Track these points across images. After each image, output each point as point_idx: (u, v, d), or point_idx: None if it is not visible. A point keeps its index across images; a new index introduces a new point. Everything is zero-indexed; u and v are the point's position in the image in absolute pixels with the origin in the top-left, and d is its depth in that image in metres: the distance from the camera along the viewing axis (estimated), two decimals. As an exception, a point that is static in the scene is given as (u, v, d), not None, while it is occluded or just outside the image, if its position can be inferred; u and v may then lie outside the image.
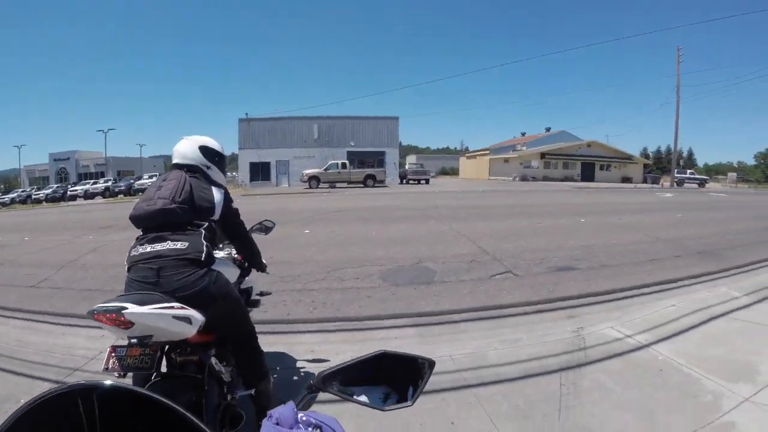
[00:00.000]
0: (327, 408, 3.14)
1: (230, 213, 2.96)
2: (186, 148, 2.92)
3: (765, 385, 3.88)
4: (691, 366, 4.24)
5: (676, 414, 3.43)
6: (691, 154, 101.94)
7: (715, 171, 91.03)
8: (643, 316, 5.61)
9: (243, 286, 3.49)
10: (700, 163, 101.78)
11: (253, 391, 2.84)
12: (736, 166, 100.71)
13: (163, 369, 2.49)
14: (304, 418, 0.94)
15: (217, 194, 2.83)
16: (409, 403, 1.28)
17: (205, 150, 2.96)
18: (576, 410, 3.46)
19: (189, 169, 2.85)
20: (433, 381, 3.74)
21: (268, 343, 4.19)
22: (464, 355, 4.42)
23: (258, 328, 3.05)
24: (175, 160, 2.92)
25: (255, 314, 3.80)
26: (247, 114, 46.59)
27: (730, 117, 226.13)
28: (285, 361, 4.30)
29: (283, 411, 0.95)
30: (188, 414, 0.78)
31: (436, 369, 3.96)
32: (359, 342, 4.86)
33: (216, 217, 2.81)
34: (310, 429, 0.92)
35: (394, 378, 1.31)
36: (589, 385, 3.87)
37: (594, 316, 5.64)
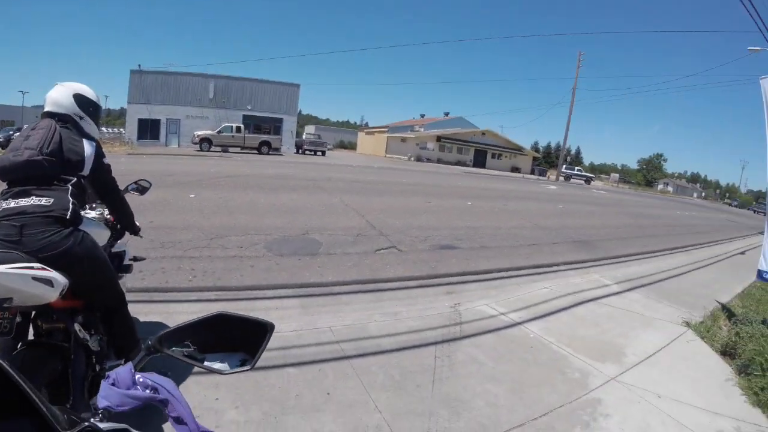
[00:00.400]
0: (205, 378, 3.08)
1: (101, 168, 2.75)
2: (59, 95, 2.67)
3: (631, 366, 4.26)
4: (561, 345, 4.56)
5: (545, 388, 3.68)
6: (579, 152, 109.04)
7: (600, 170, 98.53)
8: (517, 296, 5.95)
9: (114, 250, 3.30)
10: (587, 161, 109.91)
11: (123, 362, 2.71)
12: (619, 168, 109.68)
13: (32, 337, 2.34)
14: (141, 380, 0.92)
15: (87, 147, 2.62)
16: (247, 367, 1.27)
17: (79, 98, 2.73)
18: (449, 382, 3.61)
19: (60, 118, 2.62)
20: (313, 352, 3.82)
21: (143, 312, 4.03)
22: (344, 327, 4.46)
23: (134, 296, 2.91)
24: (46, 108, 2.66)
25: (131, 281, 3.62)
26: (140, 66, 43.41)
27: (618, 123, 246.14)
28: (160, 330, 4.12)
29: (120, 372, 0.92)
30: (14, 373, 0.72)
31: (317, 340, 4.02)
32: (241, 312, 4.74)
33: (85, 172, 2.61)
34: (147, 390, 0.90)
35: (248, 343, 1.29)
36: (463, 359, 4.05)
37: (472, 294, 5.91)
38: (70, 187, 2.45)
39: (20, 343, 2.19)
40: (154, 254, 5.93)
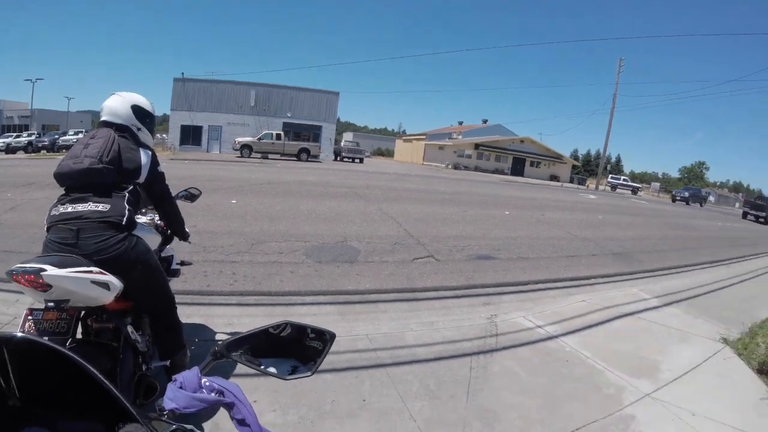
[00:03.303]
0: (242, 381, 3.16)
1: (156, 177, 2.87)
2: (117, 106, 2.80)
3: (666, 383, 4.19)
4: (596, 359, 4.51)
5: (579, 403, 3.66)
6: (619, 160, 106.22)
7: (641, 179, 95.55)
8: (554, 308, 5.90)
9: (163, 255, 3.44)
10: (627, 169, 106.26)
11: (168, 363, 2.82)
12: (660, 176, 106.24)
13: (79, 335, 2.43)
14: (207, 383, 0.96)
15: (144, 156, 2.75)
16: (308, 373, 1.32)
17: (137, 110, 2.85)
18: (483, 393, 3.62)
19: (118, 128, 2.74)
20: (349, 359, 3.87)
21: (185, 315, 4.13)
22: (381, 335, 4.52)
23: (177, 298, 3.01)
24: (103, 117, 2.78)
25: (174, 284, 3.74)
26: (183, 73, 44.52)
27: (660, 130, 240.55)
28: (202, 333, 4.24)
29: (187, 375, 0.97)
30: (100, 376, 0.78)
31: (353, 347, 4.07)
32: (279, 316, 4.80)
33: (141, 180, 2.74)
34: (212, 394, 0.95)
35: (301, 350, 1.35)
36: (498, 370, 4.06)
37: (508, 305, 5.90)
38: (127, 194, 2.57)
39: (69, 341, 2.28)
40: (197, 258, 6.09)
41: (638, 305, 6.45)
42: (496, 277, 7.20)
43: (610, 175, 58.67)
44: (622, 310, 6.10)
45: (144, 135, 2.91)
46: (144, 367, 2.68)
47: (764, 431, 3.57)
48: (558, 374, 4.15)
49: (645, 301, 6.70)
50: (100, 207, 2.41)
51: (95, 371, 0.79)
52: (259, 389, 3.23)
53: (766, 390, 4.30)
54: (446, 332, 4.77)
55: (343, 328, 4.59)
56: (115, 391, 0.78)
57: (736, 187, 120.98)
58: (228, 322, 4.56)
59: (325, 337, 1.37)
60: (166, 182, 3.04)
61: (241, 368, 3.31)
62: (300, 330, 1.36)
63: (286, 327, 1.33)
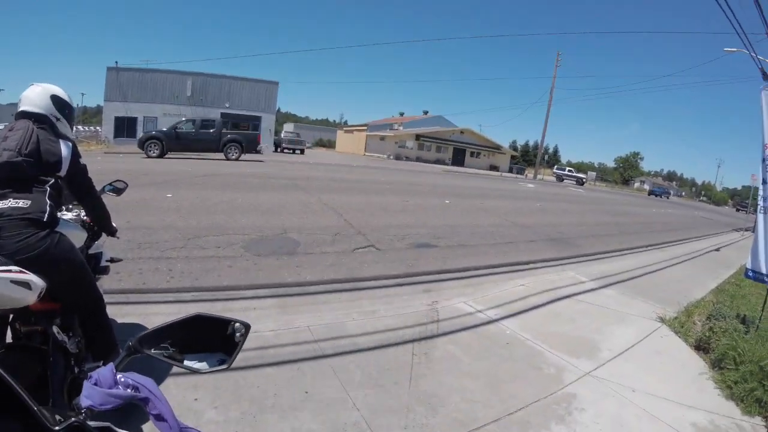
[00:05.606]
0: (183, 379, 3.09)
1: (78, 169, 2.75)
2: (36, 96, 2.67)
3: (605, 361, 4.36)
4: (537, 341, 4.64)
5: (521, 383, 3.76)
6: (556, 150, 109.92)
7: (577, 168, 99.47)
8: (494, 293, 6.03)
9: (91, 251, 3.28)
10: (564, 159, 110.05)
11: (101, 364, 2.70)
12: (596, 166, 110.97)
13: (10, 340, 2.35)
14: (122, 379, 0.95)
15: (64, 148, 2.62)
16: (224, 366, 1.31)
17: (56, 100, 2.73)
18: (426, 378, 3.67)
19: (37, 119, 2.61)
20: (291, 351, 3.84)
21: (121, 314, 4.01)
22: (323, 326, 4.48)
23: (112, 297, 2.91)
24: (22, 108, 2.65)
25: (108, 283, 3.61)
26: (117, 63, 42.66)
27: (596, 122, 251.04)
28: (139, 332, 4.09)
29: (102, 372, 0.95)
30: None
31: (295, 339, 4.03)
32: (218, 312, 4.74)
33: (63, 173, 2.61)
34: (128, 390, 0.93)
35: (226, 343, 1.33)
36: (440, 355, 4.11)
37: (449, 292, 5.98)
38: (48, 189, 2.45)
39: None
40: (132, 255, 5.89)
41: (576, 288, 6.68)
42: (436, 264, 7.29)
43: (556, 166, 60.38)
44: (560, 293, 6.30)
45: (63, 126, 2.78)
46: (76, 370, 2.58)
47: (704, 405, 3.77)
48: (499, 357, 4.24)
49: (582, 284, 6.95)
50: (20, 203, 2.29)
51: (3, 372, 0.75)
52: (199, 387, 3.16)
53: (704, 365, 4.53)
54: (388, 320, 4.79)
55: (284, 320, 4.54)
56: (11, 381, 0.74)
57: (671, 176, 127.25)
58: (165, 320, 4.41)
59: (240, 328, 1.35)
60: (89, 175, 2.91)
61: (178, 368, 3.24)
62: (216, 322, 1.33)
63: (198, 319, 1.30)
